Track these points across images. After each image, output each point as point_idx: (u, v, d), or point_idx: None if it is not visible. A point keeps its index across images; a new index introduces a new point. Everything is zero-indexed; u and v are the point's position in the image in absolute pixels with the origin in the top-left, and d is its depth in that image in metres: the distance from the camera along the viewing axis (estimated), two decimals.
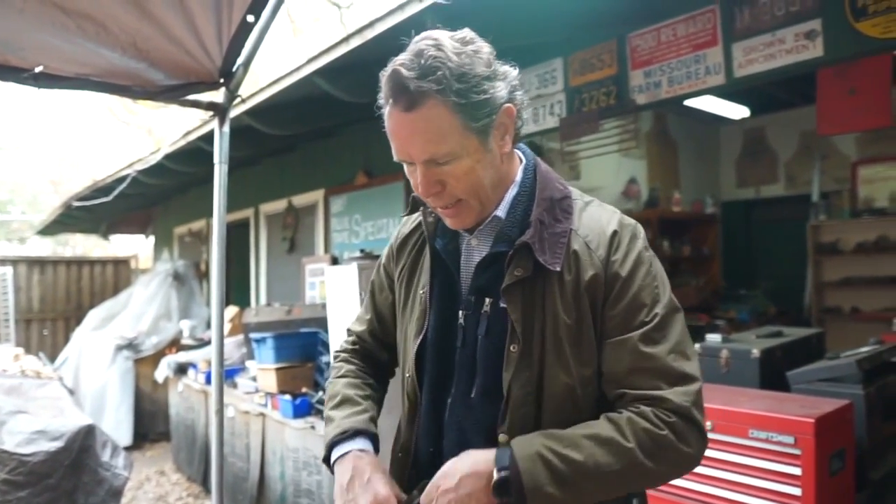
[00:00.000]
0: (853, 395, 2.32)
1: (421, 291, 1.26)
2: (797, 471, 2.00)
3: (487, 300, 1.18)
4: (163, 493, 5.11)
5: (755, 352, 2.66)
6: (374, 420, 1.32)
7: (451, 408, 1.21)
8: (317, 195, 5.37)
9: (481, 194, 1.15)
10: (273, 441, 3.84)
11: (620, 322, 1.13)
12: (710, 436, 2.17)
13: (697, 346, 2.86)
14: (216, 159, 2.41)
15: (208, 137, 3.87)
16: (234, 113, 2.54)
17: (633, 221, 1.20)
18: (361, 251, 3.44)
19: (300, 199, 5.62)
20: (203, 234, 7.33)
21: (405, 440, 1.30)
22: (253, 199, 6.32)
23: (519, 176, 1.22)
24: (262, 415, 3.92)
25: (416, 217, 1.34)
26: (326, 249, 5.16)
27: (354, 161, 4.90)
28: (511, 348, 1.13)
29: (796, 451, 2.01)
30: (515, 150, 1.24)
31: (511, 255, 1.14)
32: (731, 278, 6.43)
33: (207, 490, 4.94)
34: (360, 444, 1.25)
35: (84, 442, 3.08)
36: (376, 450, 1.28)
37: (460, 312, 1.21)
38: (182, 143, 4.82)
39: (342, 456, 1.23)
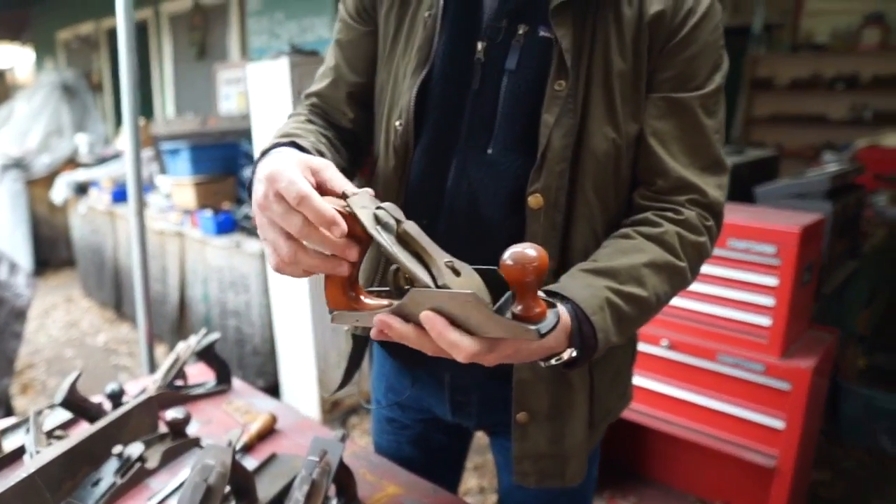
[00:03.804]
0: (822, 211, 2.26)
1: (426, 13, 0.92)
2: (774, 281, 1.93)
3: (522, 27, 0.88)
4: (74, 320, 4.78)
5: None
6: (319, 153, 0.90)
7: (460, 168, 0.92)
8: None
9: None
10: (193, 261, 3.53)
11: (675, 77, 0.88)
12: None
13: None
14: None
15: None
16: None
17: None
18: (292, 46, 2.95)
19: None
20: (93, 39, 6.37)
21: None
22: None
23: None
24: (180, 234, 3.57)
25: None
26: (243, 54, 4.56)
27: None
28: (556, 86, 0.85)
29: (775, 262, 1.93)
30: None
31: None
32: None
33: (121, 314, 4.65)
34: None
35: None
36: None
37: (479, 44, 0.90)
38: None
39: (263, 159, 0.80)
